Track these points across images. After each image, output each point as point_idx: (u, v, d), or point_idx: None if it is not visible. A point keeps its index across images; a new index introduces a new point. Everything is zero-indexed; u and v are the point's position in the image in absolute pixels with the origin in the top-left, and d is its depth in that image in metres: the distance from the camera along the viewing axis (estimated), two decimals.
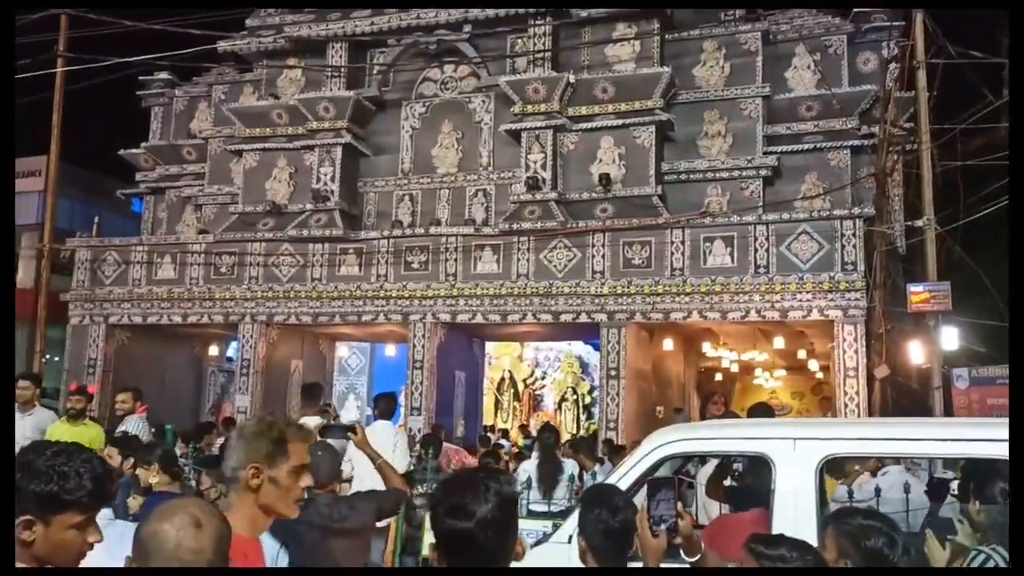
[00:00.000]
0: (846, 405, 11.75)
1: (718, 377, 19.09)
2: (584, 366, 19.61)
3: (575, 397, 19.60)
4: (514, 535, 1.80)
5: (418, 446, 7.67)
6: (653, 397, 14.44)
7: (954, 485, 5.86)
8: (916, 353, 11.54)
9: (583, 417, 19.23)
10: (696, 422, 6.16)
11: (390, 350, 16.76)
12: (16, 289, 20.66)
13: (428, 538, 5.88)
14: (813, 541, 3.87)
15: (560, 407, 19.63)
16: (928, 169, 11.47)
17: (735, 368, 18.18)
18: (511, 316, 13.34)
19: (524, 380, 20.05)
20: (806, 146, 13.62)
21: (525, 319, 13.32)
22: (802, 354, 15.82)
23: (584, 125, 13.65)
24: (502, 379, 19.84)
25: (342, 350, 17.66)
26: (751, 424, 5.02)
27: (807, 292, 12.00)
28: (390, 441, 6.18)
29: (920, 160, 11.64)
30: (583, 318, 13.01)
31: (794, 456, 3.87)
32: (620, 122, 13.42)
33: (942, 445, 4.38)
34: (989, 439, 4.18)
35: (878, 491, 4.91)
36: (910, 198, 12.70)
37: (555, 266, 13.20)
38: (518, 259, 13.38)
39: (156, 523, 1.67)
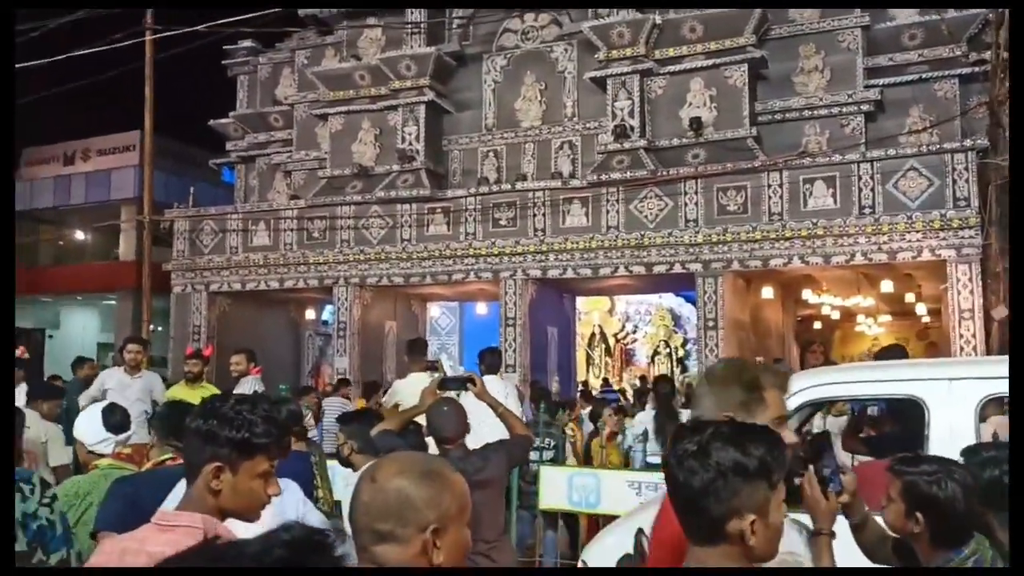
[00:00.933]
0: (962, 348, 11.17)
1: (816, 325, 18.52)
2: (676, 319, 19.29)
3: (668, 350, 19.32)
4: (721, 504, 1.47)
5: (528, 400, 7.62)
6: (752, 347, 14.04)
7: None
8: None
9: (677, 370, 18.94)
10: (838, 365, 5.88)
11: (481, 308, 16.78)
12: (119, 262, 21.48)
13: (544, 493, 5.81)
14: None
15: (653, 361, 19.39)
16: None
17: (836, 315, 17.55)
18: (602, 269, 13.12)
19: (615, 335, 19.84)
20: (910, 77, 12.84)
21: (617, 272, 13.07)
22: (910, 298, 15.13)
23: (672, 68, 13.19)
24: (592, 334, 19.69)
25: (434, 310, 17.78)
26: (901, 365, 4.72)
27: (917, 231, 11.40)
28: (501, 395, 6.09)
29: None
30: (677, 268, 12.69)
31: (950, 397, 3.61)
32: (710, 62, 12.90)
33: None
34: None
35: None
36: None
37: (646, 216, 12.88)
38: (607, 211, 13.11)
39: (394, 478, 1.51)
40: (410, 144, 14.51)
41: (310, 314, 17.59)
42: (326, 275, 14.84)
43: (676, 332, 19.29)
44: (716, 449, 1.49)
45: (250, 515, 1.85)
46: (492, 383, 6.21)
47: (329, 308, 16.69)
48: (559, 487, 5.55)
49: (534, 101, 14.57)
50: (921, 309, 16.46)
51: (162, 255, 16.38)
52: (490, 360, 6.92)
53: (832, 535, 2.17)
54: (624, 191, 12.95)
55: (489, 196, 13.88)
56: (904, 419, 3.96)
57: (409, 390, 6.85)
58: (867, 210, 11.67)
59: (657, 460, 6.17)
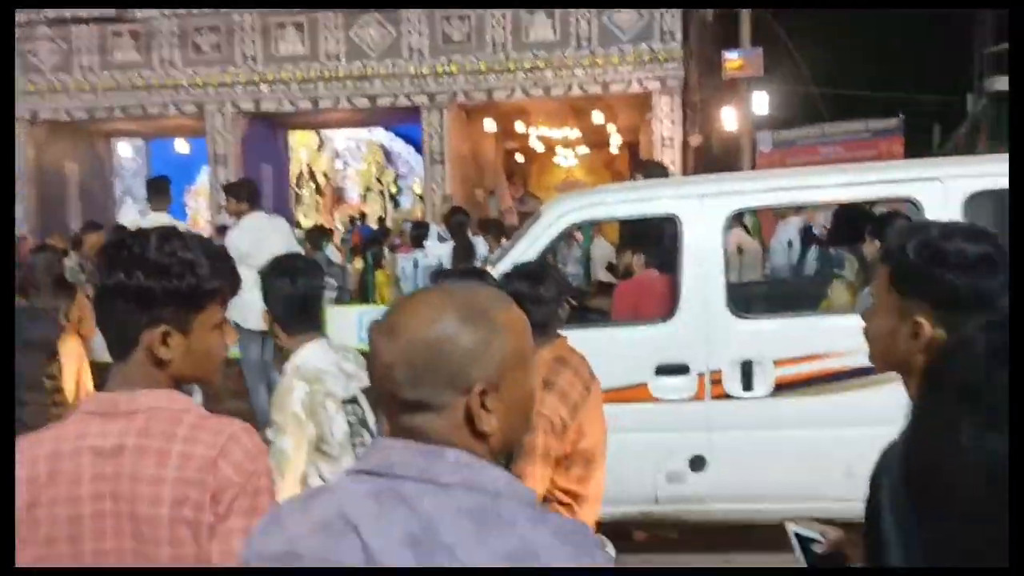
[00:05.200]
0: None
1: (519, 158, 19.25)
2: (387, 154, 18.98)
3: (380, 187, 19.08)
4: None
5: None
6: (473, 181, 14.31)
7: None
8: (729, 120, 12.13)
9: (390, 207, 18.86)
10: (595, 187, 6.10)
11: (181, 146, 15.20)
12: None
13: (331, 334, 5.51)
14: (720, 298, 4.00)
15: (365, 198, 19.08)
16: None
17: (540, 148, 18.32)
18: (323, 102, 12.41)
19: (324, 172, 19.14)
20: None
21: (339, 105, 12.44)
22: (611, 128, 16.15)
23: None
24: (300, 172, 18.81)
25: (126, 149, 15.77)
26: (656, 184, 4.99)
27: (628, 64, 12.03)
28: (271, 230, 5.47)
29: None
30: (402, 101, 12.35)
31: (701, 212, 3.85)
32: None
33: (851, 189, 4.56)
34: (902, 179, 4.42)
35: (791, 243, 5.14)
36: None
37: (368, 45, 12.24)
38: (326, 37, 12.25)
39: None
40: None
41: None
42: None
43: (388, 168, 19.05)
44: None
45: (210, 379, 1.44)
46: (258, 220, 5.58)
47: None
48: (348, 326, 5.31)
49: None
50: (616, 140, 17.69)
51: None
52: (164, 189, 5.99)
53: None
54: (344, 16, 12.12)
55: (188, 18, 12.29)
56: (663, 235, 4.19)
57: None
58: (584, 43, 12.04)
59: None
